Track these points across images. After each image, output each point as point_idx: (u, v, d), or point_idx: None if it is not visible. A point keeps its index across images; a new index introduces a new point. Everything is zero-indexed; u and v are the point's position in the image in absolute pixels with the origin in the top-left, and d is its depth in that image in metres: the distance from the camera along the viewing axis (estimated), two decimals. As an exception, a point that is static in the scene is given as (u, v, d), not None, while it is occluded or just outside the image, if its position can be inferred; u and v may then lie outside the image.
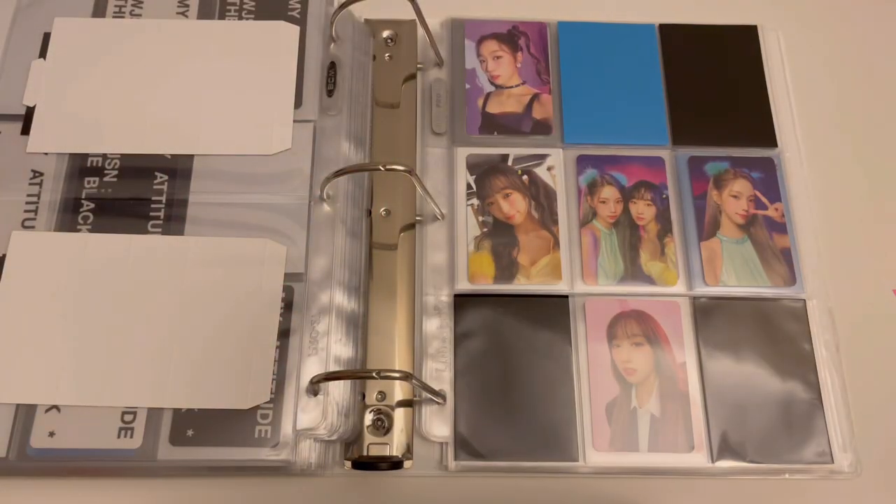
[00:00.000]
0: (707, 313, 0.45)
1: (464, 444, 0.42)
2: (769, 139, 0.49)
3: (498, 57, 0.51)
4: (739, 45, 0.52)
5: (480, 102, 0.50)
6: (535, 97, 0.50)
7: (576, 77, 0.50)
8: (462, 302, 0.45)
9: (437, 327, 0.45)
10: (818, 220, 0.48)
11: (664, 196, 0.48)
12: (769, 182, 0.48)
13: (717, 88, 0.51)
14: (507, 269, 0.46)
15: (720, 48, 0.52)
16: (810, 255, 0.47)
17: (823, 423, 0.43)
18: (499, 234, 0.47)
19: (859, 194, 0.50)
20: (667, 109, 0.50)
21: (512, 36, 0.52)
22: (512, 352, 0.44)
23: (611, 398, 0.43)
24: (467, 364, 0.44)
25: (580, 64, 0.51)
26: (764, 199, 0.48)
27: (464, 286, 0.45)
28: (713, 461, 0.42)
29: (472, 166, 0.48)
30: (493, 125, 0.49)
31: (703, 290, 0.46)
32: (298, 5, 0.50)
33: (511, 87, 0.50)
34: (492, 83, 0.50)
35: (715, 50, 0.52)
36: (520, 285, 0.45)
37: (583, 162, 0.49)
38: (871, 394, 0.44)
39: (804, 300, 0.46)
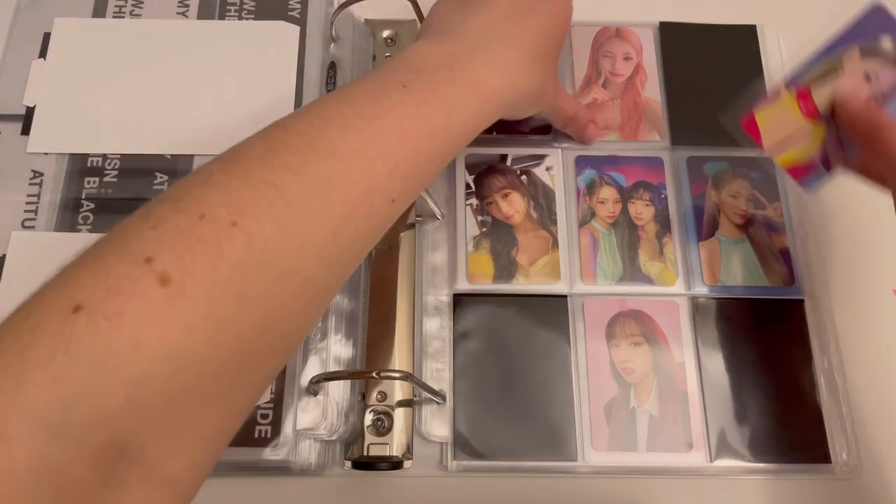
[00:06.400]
0: (705, 313, 0.45)
1: (463, 444, 0.42)
2: None
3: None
4: (739, 44, 0.52)
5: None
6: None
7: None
8: (461, 301, 0.45)
9: (437, 327, 0.45)
10: (816, 220, 0.48)
11: (662, 196, 0.48)
12: (768, 182, 0.48)
13: (716, 88, 0.50)
14: (505, 268, 0.46)
15: (720, 47, 0.52)
16: (809, 254, 0.47)
17: (823, 423, 0.43)
18: (497, 234, 0.47)
19: (858, 194, 0.49)
20: (665, 108, 0.50)
21: None
22: (511, 352, 0.44)
23: (609, 398, 0.43)
24: (466, 364, 0.44)
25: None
26: (762, 199, 0.48)
27: (463, 286, 0.45)
28: (712, 460, 0.42)
29: (471, 166, 0.48)
30: (493, 125, 0.49)
31: (701, 289, 0.46)
32: (298, 5, 0.50)
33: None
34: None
35: (715, 49, 0.52)
36: (519, 285, 0.45)
37: (581, 163, 0.49)
38: (871, 394, 0.44)
39: (803, 300, 0.45)
